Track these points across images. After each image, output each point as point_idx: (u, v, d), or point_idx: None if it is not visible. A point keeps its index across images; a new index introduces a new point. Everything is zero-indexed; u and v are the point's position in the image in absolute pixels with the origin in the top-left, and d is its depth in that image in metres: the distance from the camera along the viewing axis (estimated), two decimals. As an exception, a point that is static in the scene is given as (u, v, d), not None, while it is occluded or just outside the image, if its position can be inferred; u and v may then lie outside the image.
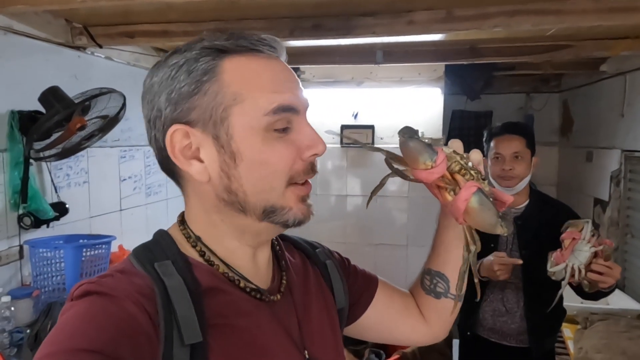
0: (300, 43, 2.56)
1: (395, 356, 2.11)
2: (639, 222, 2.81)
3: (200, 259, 0.59)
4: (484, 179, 0.65)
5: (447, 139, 4.56)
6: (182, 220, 0.63)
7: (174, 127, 0.55)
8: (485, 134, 1.64)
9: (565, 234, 1.33)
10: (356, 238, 3.37)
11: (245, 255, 0.62)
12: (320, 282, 0.73)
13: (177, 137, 0.56)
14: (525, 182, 1.54)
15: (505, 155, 1.53)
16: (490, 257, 1.44)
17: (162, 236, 0.61)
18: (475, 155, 0.67)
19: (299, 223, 0.59)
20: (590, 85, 3.53)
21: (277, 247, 0.71)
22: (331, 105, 3.30)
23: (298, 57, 2.84)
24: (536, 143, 1.67)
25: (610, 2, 1.74)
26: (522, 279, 1.53)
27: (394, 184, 3.28)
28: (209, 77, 0.55)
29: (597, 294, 1.31)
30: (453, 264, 0.78)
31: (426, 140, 0.66)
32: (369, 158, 3.29)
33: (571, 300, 2.03)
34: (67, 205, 1.93)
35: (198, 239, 0.60)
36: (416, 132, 0.68)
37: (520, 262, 1.40)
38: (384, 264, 3.32)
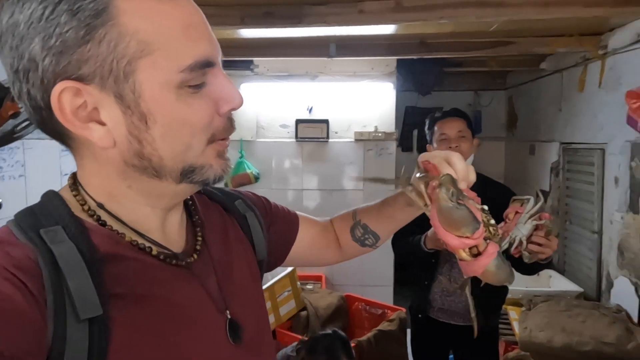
0: (253, 34, 2.53)
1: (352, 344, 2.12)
2: (577, 210, 2.99)
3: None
4: (498, 234, 0.64)
5: (401, 134, 4.69)
6: (74, 183, 0.54)
7: (61, 84, 0.45)
8: (427, 122, 1.71)
9: (509, 209, 1.39)
10: (313, 232, 3.36)
11: (156, 218, 0.56)
12: (239, 235, 0.70)
13: (66, 97, 0.45)
14: (469, 161, 1.61)
15: (450, 135, 1.59)
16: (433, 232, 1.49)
17: (50, 198, 0.51)
18: (459, 163, 0.65)
19: (219, 179, 0.54)
20: (531, 82, 3.73)
21: (190, 202, 0.64)
22: (286, 99, 3.29)
23: (251, 50, 2.81)
24: (485, 138, 1.77)
25: (545, -4, 1.85)
26: None
27: (350, 178, 3.31)
28: (103, 20, 0.44)
29: (535, 266, 1.38)
30: (391, 231, 0.85)
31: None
32: (326, 152, 3.30)
33: (516, 285, 2.14)
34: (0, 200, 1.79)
35: (100, 206, 0.52)
36: (459, 190, 0.61)
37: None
38: (341, 257, 3.34)
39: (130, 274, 0.50)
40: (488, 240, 0.62)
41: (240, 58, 2.93)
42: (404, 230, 1.75)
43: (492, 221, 0.64)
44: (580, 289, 2.76)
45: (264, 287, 2.37)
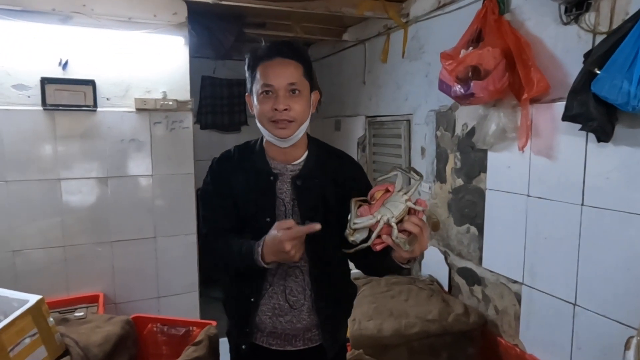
0: None
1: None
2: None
3: None
4: None
5: (199, 107, 4.01)
6: None
7: None
8: (247, 59, 1.14)
9: (376, 187, 0.99)
10: (82, 237, 2.43)
11: None
12: None
13: None
14: (303, 128, 1.13)
15: (277, 87, 1.06)
16: (274, 233, 0.97)
17: None
18: None
19: None
20: (334, 55, 3.59)
21: None
22: (21, 47, 2.23)
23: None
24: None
25: None
26: (308, 259, 1.13)
27: (133, 161, 2.50)
28: None
29: (391, 265, 1.01)
30: None
31: None
32: (94, 126, 2.40)
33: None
34: None
35: None
36: None
37: (319, 226, 0.95)
38: (127, 265, 2.52)
39: None
40: None
41: None
42: (215, 223, 1.18)
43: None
44: (394, 264, 2.71)
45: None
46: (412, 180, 0.99)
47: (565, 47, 1.64)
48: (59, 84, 2.30)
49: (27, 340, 1.63)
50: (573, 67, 1.58)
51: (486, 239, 2.08)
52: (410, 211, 0.93)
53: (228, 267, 1.12)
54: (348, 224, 0.95)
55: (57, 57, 2.29)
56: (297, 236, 0.95)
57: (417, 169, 1.08)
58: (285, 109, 1.06)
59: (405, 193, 0.94)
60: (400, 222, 0.91)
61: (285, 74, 1.07)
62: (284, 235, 0.95)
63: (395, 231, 0.89)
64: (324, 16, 2.80)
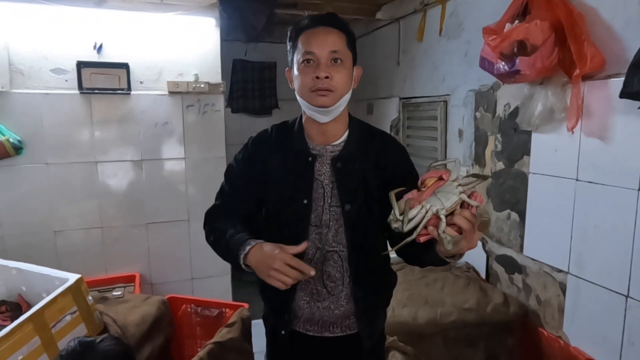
0: None
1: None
2: (419, 168, 2.84)
3: None
4: None
5: (230, 91, 4.01)
6: None
7: None
8: (289, 33, 1.09)
9: (429, 172, 0.93)
10: (118, 219, 2.49)
11: None
12: None
13: None
14: (344, 102, 1.07)
15: (319, 56, 1.01)
16: (275, 249, 0.94)
17: None
18: None
19: None
20: (367, 35, 3.48)
21: None
22: (58, 31, 2.26)
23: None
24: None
25: None
26: (348, 245, 1.08)
27: (166, 144, 2.52)
28: None
29: (435, 259, 0.95)
30: None
31: None
32: (128, 109, 2.42)
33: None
34: None
35: None
36: None
37: (313, 272, 0.92)
38: (161, 246, 2.57)
39: None
40: None
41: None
42: (231, 200, 1.11)
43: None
44: (428, 250, 2.64)
45: (24, 317, 1.48)
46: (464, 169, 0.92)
47: (625, 17, 1.50)
48: (95, 67, 2.32)
49: (68, 318, 1.67)
50: (633, 40, 1.44)
51: (528, 225, 1.98)
52: (462, 204, 0.85)
53: (215, 245, 1.10)
54: (392, 212, 0.88)
55: (92, 40, 2.31)
56: (291, 262, 0.92)
57: (449, 152, 1.01)
58: (327, 77, 1.00)
59: (460, 184, 0.86)
60: (450, 214, 0.84)
61: (327, 41, 1.02)
62: (281, 253, 0.93)
63: (443, 224, 0.82)
64: (357, -6, 2.71)
